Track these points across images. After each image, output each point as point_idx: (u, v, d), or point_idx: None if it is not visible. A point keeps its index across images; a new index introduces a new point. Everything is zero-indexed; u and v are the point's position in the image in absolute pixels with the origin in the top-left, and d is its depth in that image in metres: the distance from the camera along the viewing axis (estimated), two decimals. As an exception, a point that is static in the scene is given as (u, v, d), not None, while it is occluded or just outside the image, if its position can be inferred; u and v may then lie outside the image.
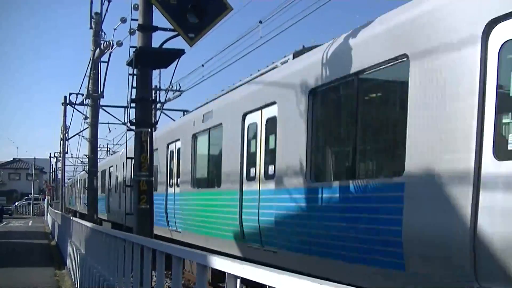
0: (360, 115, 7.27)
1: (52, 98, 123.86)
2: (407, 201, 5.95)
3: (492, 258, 4.90)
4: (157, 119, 20.55)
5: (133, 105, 10.34)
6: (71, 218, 19.56)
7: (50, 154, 67.86)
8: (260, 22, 15.08)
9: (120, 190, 22.44)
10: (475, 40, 5.22)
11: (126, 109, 22.45)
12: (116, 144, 51.26)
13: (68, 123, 35.27)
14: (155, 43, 10.03)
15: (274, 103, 9.28)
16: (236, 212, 10.30)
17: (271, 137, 9.44)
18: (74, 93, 26.46)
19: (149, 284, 6.56)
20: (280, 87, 9.21)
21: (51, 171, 75.12)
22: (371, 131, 7.48)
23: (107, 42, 19.44)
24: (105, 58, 20.68)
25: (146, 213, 10.10)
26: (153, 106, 11.12)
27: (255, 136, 10.12)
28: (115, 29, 18.43)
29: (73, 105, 26.85)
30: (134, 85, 10.23)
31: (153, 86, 11.02)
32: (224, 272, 3.85)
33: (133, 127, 10.50)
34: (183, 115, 20.45)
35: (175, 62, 10.31)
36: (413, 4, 6.49)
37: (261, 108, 9.81)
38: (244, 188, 10.25)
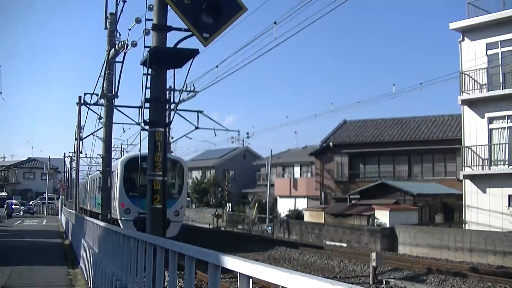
0: None
1: (67, 98, 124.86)
2: None
3: None
4: (171, 119, 20.67)
5: (147, 105, 10.35)
6: (85, 217, 19.65)
7: (64, 153, 68.44)
8: (275, 23, 15.07)
9: None
10: None
11: (140, 109, 22.60)
12: (130, 144, 51.54)
13: (82, 123, 35.33)
14: (170, 43, 10.05)
15: None
16: None
17: None
18: (88, 93, 26.45)
19: (161, 284, 6.54)
20: None
21: (66, 170, 75.71)
22: None
23: (122, 43, 19.49)
24: (119, 58, 20.74)
25: (159, 212, 10.11)
26: (167, 107, 11.10)
27: None
28: (129, 29, 18.42)
29: (88, 105, 26.89)
30: (148, 85, 10.25)
31: (167, 87, 10.99)
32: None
33: (147, 127, 10.51)
34: (197, 115, 20.40)
35: (190, 62, 10.31)
36: None
37: None
38: None
